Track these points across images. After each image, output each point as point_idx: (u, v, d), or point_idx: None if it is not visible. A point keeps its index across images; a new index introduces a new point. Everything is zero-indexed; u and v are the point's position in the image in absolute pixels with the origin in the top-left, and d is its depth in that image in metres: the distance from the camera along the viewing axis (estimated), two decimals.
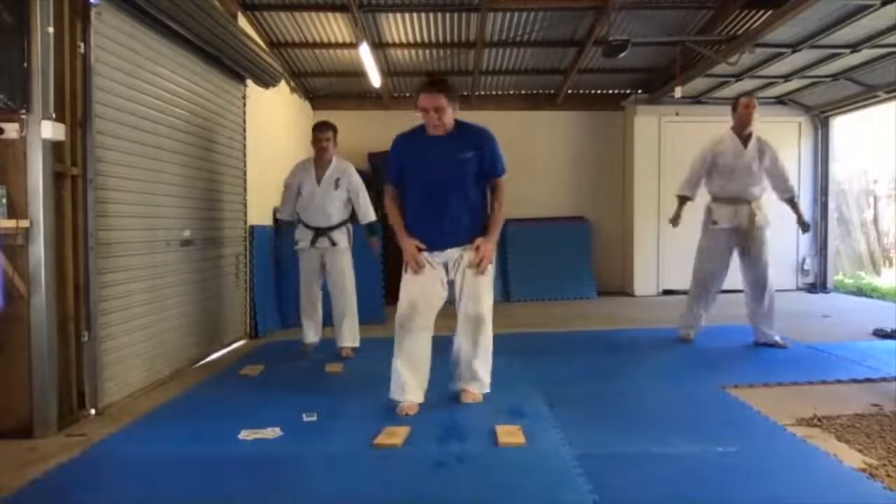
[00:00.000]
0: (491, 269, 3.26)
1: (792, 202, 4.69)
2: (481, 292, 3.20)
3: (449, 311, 3.31)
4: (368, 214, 4.51)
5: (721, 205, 4.62)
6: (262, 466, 2.47)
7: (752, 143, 4.56)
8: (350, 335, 4.49)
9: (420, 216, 3.22)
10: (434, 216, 3.18)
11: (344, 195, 4.46)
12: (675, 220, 4.85)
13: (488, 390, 3.30)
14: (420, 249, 3.16)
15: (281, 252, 4.93)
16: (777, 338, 4.58)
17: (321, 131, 4.41)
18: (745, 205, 4.57)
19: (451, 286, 3.28)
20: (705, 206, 4.77)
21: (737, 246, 4.63)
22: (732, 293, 5.02)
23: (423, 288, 3.17)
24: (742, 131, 4.57)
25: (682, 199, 4.84)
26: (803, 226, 4.73)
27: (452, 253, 3.21)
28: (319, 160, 4.45)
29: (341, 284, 4.46)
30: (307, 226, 4.46)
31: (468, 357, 3.25)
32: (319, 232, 4.42)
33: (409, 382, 3.15)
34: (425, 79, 3.23)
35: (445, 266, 3.24)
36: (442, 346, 3.39)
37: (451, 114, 3.14)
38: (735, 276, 4.71)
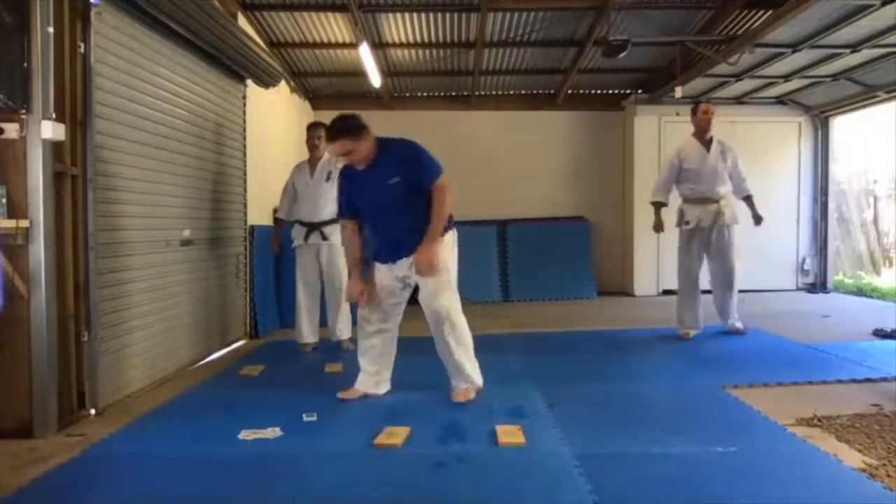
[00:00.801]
0: (449, 268, 3.24)
1: (748, 199, 5.01)
2: (438, 289, 3.18)
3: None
4: None
5: (691, 205, 4.94)
6: (262, 466, 2.47)
7: (714, 145, 4.90)
8: (346, 327, 4.60)
9: (374, 238, 3.39)
10: (382, 238, 3.33)
11: (335, 190, 4.50)
12: (658, 227, 5.11)
13: (480, 384, 3.30)
14: (363, 292, 3.25)
15: (283, 244, 4.91)
16: (738, 324, 4.96)
17: (314, 130, 4.62)
18: (713, 203, 4.86)
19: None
20: (677, 208, 5.04)
21: (707, 242, 4.91)
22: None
23: (377, 301, 3.33)
24: (703, 136, 4.91)
25: (657, 205, 5.10)
26: (756, 219, 4.99)
27: (404, 262, 3.25)
28: (313, 158, 4.61)
29: (337, 279, 4.53)
30: (301, 223, 4.59)
31: (445, 354, 3.26)
32: (312, 227, 4.52)
33: (363, 371, 3.37)
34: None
35: (405, 277, 3.29)
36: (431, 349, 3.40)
37: (365, 144, 3.14)
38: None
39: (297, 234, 4.60)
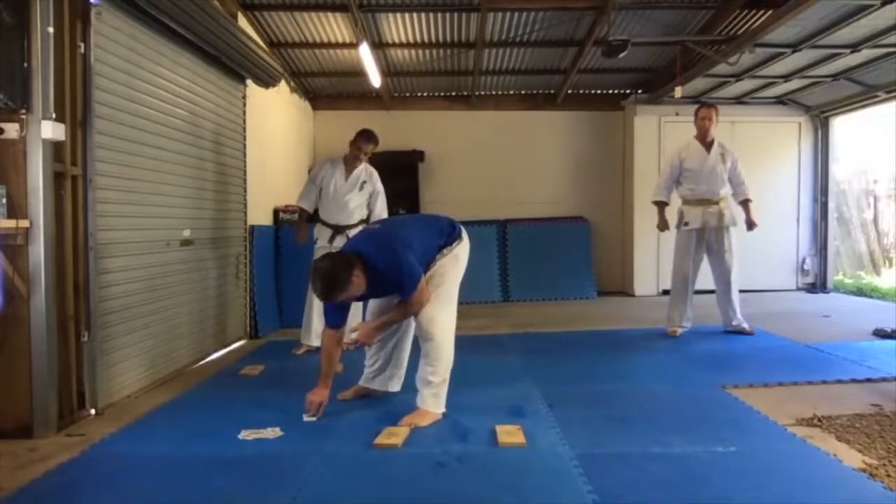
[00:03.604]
0: (446, 281, 3.11)
1: (745, 204, 5.03)
2: (430, 299, 3.04)
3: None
4: (382, 216, 4.62)
5: (691, 206, 5.01)
6: (262, 466, 2.47)
7: (715, 148, 4.98)
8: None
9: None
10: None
11: (366, 197, 4.62)
12: (662, 226, 5.17)
13: (436, 413, 2.98)
14: (322, 404, 3.05)
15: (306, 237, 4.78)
16: (745, 325, 4.98)
17: (366, 142, 4.54)
18: (712, 205, 4.94)
19: None
20: (677, 209, 5.11)
21: (706, 243, 4.99)
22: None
23: (381, 304, 3.26)
24: (704, 139, 4.99)
25: (660, 205, 5.17)
26: (750, 224, 5.03)
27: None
28: (350, 163, 4.60)
29: None
30: (326, 224, 4.58)
31: (419, 368, 3.09)
32: (338, 230, 4.53)
33: (365, 365, 3.38)
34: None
35: None
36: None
37: (357, 284, 2.88)
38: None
39: (322, 234, 4.59)
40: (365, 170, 4.63)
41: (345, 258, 2.85)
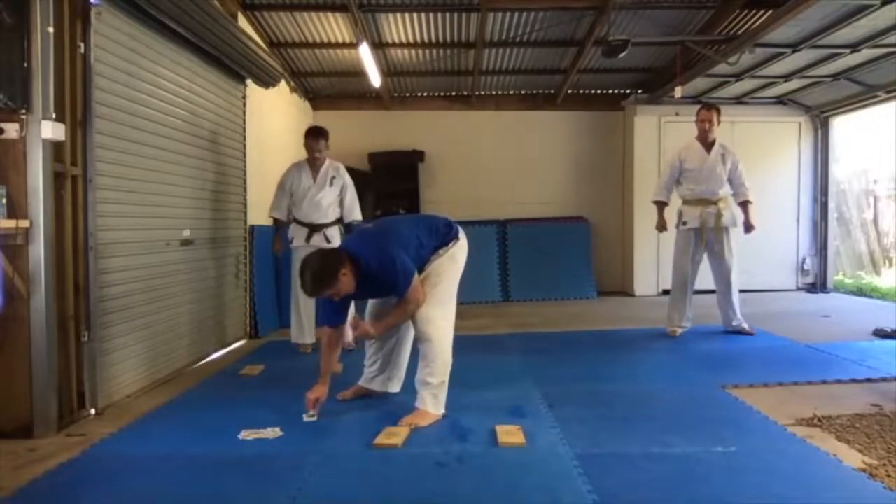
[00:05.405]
0: (448, 282, 3.10)
1: (745, 205, 5.03)
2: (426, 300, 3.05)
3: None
4: (353, 212, 4.63)
5: (690, 206, 5.03)
6: (262, 466, 2.48)
7: (716, 148, 4.99)
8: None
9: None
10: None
11: (337, 192, 4.62)
12: (660, 226, 5.18)
13: (436, 414, 2.98)
14: (319, 400, 3.04)
15: (281, 248, 4.85)
16: (745, 325, 4.99)
17: (314, 140, 4.53)
18: (711, 205, 4.95)
19: None
20: (677, 209, 5.12)
21: (705, 243, 4.98)
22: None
23: (379, 307, 3.27)
24: (704, 139, 5.00)
25: (659, 205, 5.19)
26: (748, 227, 5.03)
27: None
28: (313, 162, 4.60)
29: None
30: (301, 223, 4.58)
31: (418, 369, 3.08)
32: (314, 229, 4.53)
33: (365, 366, 3.38)
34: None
35: None
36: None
37: (346, 281, 2.88)
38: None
39: (298, 234, 4.58)
40: (331, 165, 4.62)
41: (336, 256, 2.89)
